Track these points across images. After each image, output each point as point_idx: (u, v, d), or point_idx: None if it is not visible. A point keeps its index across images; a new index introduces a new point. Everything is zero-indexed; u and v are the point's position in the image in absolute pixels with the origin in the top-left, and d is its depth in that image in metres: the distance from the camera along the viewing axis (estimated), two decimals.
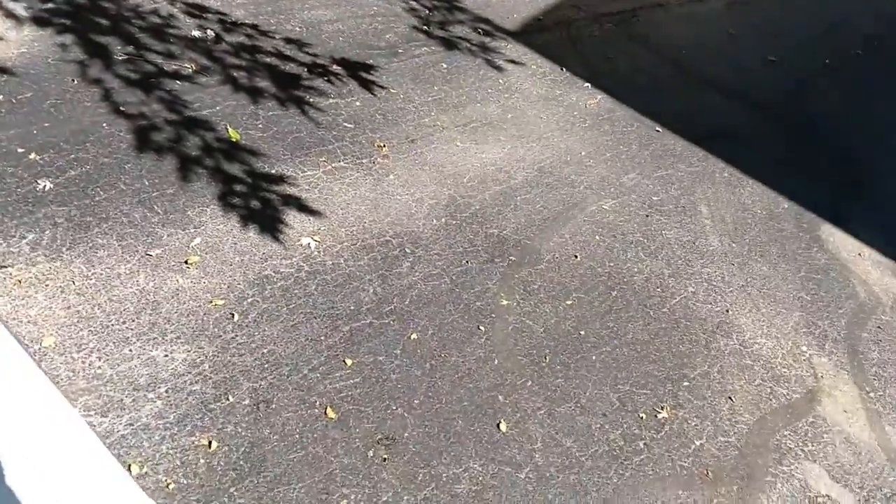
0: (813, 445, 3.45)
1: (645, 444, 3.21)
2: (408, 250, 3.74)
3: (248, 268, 3.41)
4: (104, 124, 3.89)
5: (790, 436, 3.46)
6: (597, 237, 4.19)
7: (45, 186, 3.45)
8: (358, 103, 4.67)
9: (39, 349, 2.82)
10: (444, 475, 2.86)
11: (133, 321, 3.03)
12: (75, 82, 4.08)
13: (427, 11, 6.07)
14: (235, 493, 2.60)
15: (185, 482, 2.61)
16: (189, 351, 3.00)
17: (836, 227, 4.95)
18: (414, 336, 3.33)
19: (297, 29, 5.33)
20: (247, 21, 5.19)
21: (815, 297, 4.30)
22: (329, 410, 2.94)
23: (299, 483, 2.69)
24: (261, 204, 3.77)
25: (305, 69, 4.90)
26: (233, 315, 3.19)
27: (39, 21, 4.47)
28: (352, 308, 3.36)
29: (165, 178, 3.73)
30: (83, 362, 2.85)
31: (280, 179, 3.94)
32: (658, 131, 5.36)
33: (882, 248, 4.87)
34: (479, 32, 5.96)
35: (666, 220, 4.49)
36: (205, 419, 2.80)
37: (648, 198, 4.64)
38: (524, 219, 4.15)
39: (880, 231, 5.01)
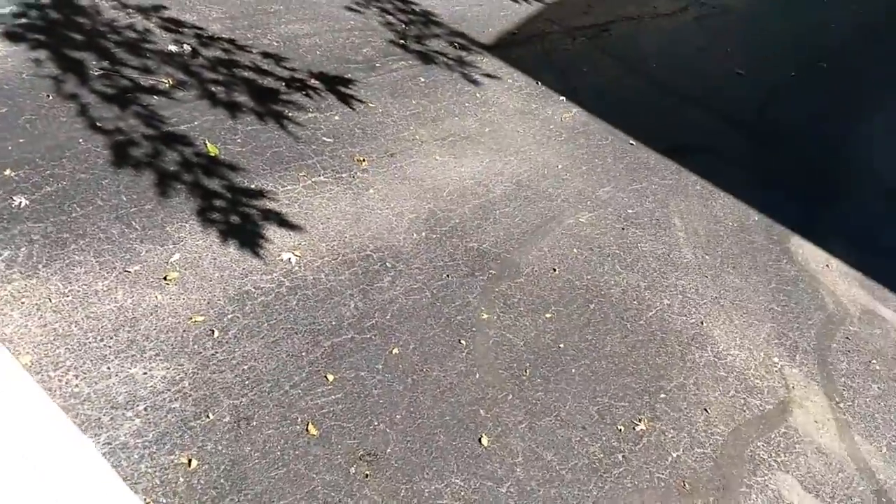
0: (785, 456, 3.52)
1: (624, 456, 3.25)
2: (388, 264, 3.76)
3: (228, 283, 3.40)
4: (80, 140, 3.86)
5: (763, 446, 3.52)
6: (574, 250, 4.24)
7: (20, 203, 3.41)
8: (337, 117, 4.69)
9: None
10: (426, 491, 2.87)
11: (111, 338, 3.01)
12: (50, 98, 4.05)
13: (403, 26, 6.11)
14: None
15: (164, 501, 2.59)
16: (168, 368, 2.98)
17: (804, 239, 5.07)
18: (395, 351, 3.34)
19: (275, 43, 5.34)
20: (223, 35, 5.19)
21: (785, 308, 4.39)
22: (311, 427, 2.94)
23: (281, 501, 2.69)
24: (240, 219, 3.76)
25: (283, 83, 4.91)
26: (213, 331, 3.17)
27: (12, 36, 4.43)
28: (333, 323, 3.37)
29: (143, 193, 3.71)
30: (60, 381, 2.82)
31: (260, 194, 3.94)
32: (632, 144, 5.45)
33: (848, 259, 4.99)
34: (455, 46, 6.02)
35: (641, 233, 4.56)
36: (184, 437, 2.78)
37: (624, 211, 4.72)
38: (503, 232, 4.19)
39: (847, 242, 5.14)
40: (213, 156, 4.10)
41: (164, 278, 3.33)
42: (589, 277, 4.10)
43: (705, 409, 3.60)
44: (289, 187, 4.05)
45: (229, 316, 3.27)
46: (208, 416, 2.86)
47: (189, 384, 2.94)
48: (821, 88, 7.32)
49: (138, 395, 2.84)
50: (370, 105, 4.93)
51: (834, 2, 9.72)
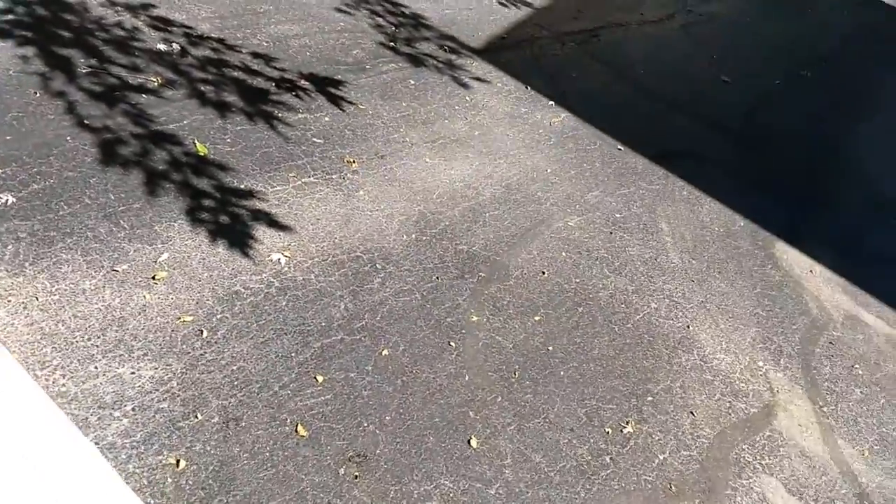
0: (770, 459, 3.55)
1: (611, 458, 3.27)
2: (378, 266, 3.76)
3: (217, 283, 3.39)
4: (68, 137, 3.82)
5: (748, 449, 3.56)
6: (563, 253, 4.26)
7: (7, 201, 3.38)
8: (327, 118, 4.69)
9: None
10: (416, 492, 2.87)
11: (98, 338, 2.98)
12: (38, 95, 4.01)
13: (393, 28, 6.12)
14: None
15: (152, 502, 2.57)
16: (156, 368, 2.96)
17: (789, 245, 5.13)
18: (385, 352, 3.34)
19: (264, 43, 5.32)
20: (213, 35, 5.17)
21: (770, 313, 4.44)
22: (300, 428, 2.93)
23: (270, 502, 2.68)
24: (230, 219, 3.75)
25: (273, 84, 4.90)
26: (201, 331, 3.16)
27: (0, 33, 4.39)
28: (323, 324, 3.37)
29: (132, 192, 3.68)
30: (47, 380, 2.79)
31: (249, 194, 3.93)
32: (620, 149, 5.49)
33: (832, 265, 5.06)
34: (444, 50, 6.03)
35: (629, 237, 4.60)
36: (173, 437, 2.77)
37: (612, 215, 4.75)
38: (493, 235, 4.21)
39: (830, 248, 5.21)
40: (202, 155, 4.09)
41: (153, 278, 3.31)
42: (577, 281, 4.13)
43: (692, 412, 3.63)
44: (278, 188, 4.04)
45: (218, 316, 3.25)
46: (197, 417, 2.85)
47: (177, 384, 2.93)
48: (805, 96, 7.41)
49: (126, 395, 2.82)
50: (360, 107, 4.93)
51: (818, 11, 9.85)
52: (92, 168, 3.72)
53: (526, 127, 5.35)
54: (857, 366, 4.26)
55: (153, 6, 5.24)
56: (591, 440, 3.32)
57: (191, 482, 2.65)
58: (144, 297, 3.21)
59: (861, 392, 4.10)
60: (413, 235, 4.03)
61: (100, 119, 4.05)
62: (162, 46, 4.84)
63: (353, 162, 4.40)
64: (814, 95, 7.49)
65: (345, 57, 5.47)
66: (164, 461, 2.68)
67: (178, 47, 4.90)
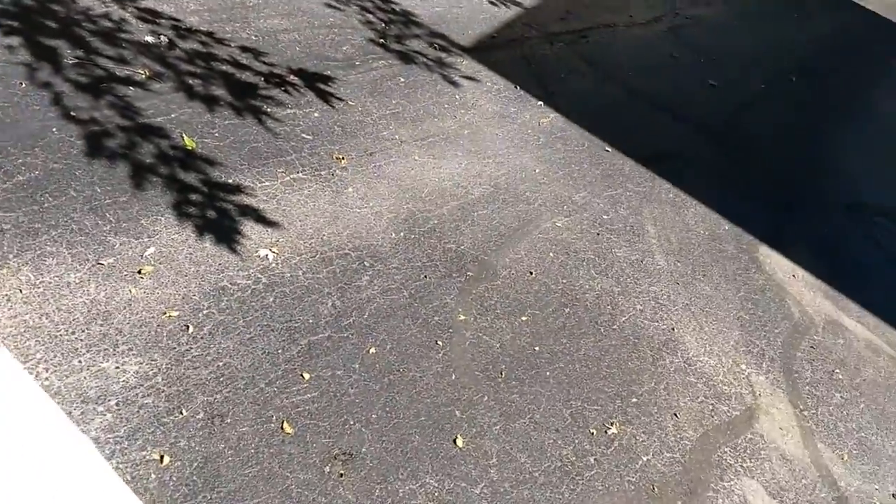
0: (751, 462, 3.59)
1: (595, 459, 3.29)
2: (367, 264, 3.75)
3: (204, 279, 3.37)
4: (54, 129, 3.78)
5: (730, 452, 3.60)
6: (551, 254, 4.28)
7: None
8: (316, 114, 4.67)
9: None
10: (401, 491, 2.88)
11: (83, 331, 2.96)
12: (23, 85, 3.96)
13: (383, 25, 6.10)
14: None
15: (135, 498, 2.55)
16: (141, 363, 2.94)
17: (772, 249, 5.18)
18: (372, 350, 3.34)
19: (253, 38, 5.29)
20: (201, 28, 5.13)
21: (753, 316, 4.48)
22: (286, 425, 2.93)
23: (254, 499, 2.67)
24: (217, 214, 3.72)
25: (262, 78, 4.87)
26: (187, 327, 3.14)
27: None
28: (310, 321, 3.36)
29: (118, 185, 3.65)
30: (29, 374, 2.76)
31: (237, 189, 3.91)
32: (607, 151, 5.51)
33: (814, 270, 5.12)
34: (434, 47, 6.03)
35: (616, 239, 4.62)
36: (157, 433, 2.75)
37: (599, 216, 4.77)
38: (481, 234, 4.21)
39: (813, 254, 5.27)
40: (189, 149, 4.06)
41: (139, 272, 3.28)
42: (564, 281, 4.14)
43: (675, 414, 3.66)
44: (267, 183, 4.02)
45: (204, 311, 3.23)
46: (181, 413, 2.83)
47: (162, 380, 2.91)
48: (790, 101, 7.49)
49: (110, 390, 2.80)
50: (350, 103, 4.92)
51: (804, 16, 9.94)
52: (78, 160, 3.68)
53: (515, 127, 5.36)
54: (837, 370, 4.31)
55: None
56: (576, 441, 3.34)
57: (174, 478, 2.63)
58: (130, 291, 3.19)
59: (841, 396, 4.15)
60: (401, 233, 4.03)
61: (86, 111, 4.00)
62: (150, 38, 4.79)
63: (343, 159, 4.39)
64: (798, 100, 7.56)
65: (334, 53, 5.45)
66: (147, 457, 2.67)
67: (166, 40, 4.85)
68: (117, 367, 2.88)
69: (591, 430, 3.41)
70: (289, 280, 3.52)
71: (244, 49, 5.10)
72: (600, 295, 4.16)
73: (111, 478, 2.55)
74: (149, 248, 3.41)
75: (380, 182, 4.33)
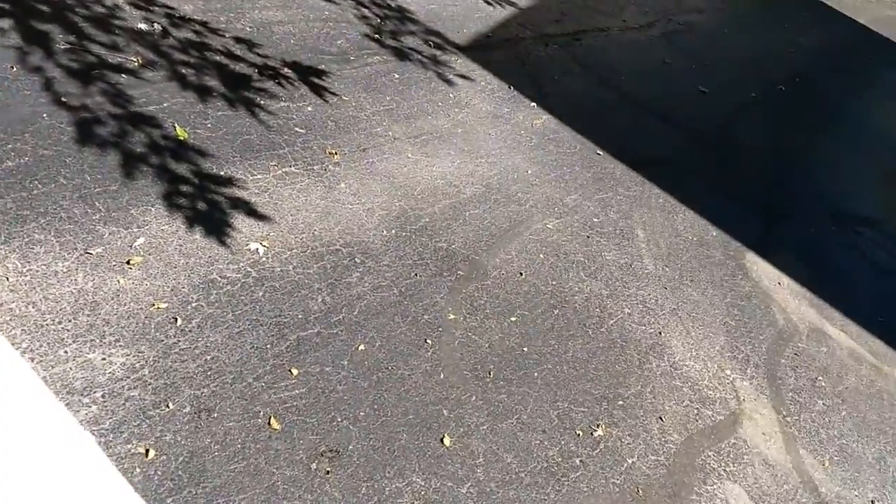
0: (734, 466, 3.62)
1: (581, 461, 3.31)
2: (357, 260, 3.74)
3: (194, 271, 3.34)
4: (44, 115, 3.74)
5: (714, 456, 3.63)
6: (541, 255, 4.29)
7: None
8: (309, 108, 4.64)
9: None
10: (387, 489, 2.87)
11: (70, 321, 2.93)
12: (14, 69, 3.91)
13: (379, 20, 6.08)
14: None
15: None
16: (128, 355, 2.91)
17: (758, 256, 5.23)
18: (361, 347, 3.33)
19: (248, 28, 5.25)
20: (195, 17, 5.08)
21: (739, 322, 4.52)
22: (273, 421, 2.91)
23: (240, 495, 2.66)
24: (208, 206, 3.70)
25: (256, 70, 4.83)
26: (176, 319, 3.12)
27: None
28: (299, 317, 3.34)
29: (109, 174, 3.61)
30: (23, 360, 2.73)
31: (229, 182, 3.88)
32: (599, 154, 5.53)
33: (799, 278, 5.17)
34: (429, 45, 6.01)
35: (605, 242, 4.64)
36: (142, 426, 2.73)
37: (589, 219, 4.79)
38: (472, 234, 4.22)
39: (798, 262, 5.32)
40: (181, 139, 4.02)
41: (128, 262, 3.25)
42: (554, 283, 4.15)
43: (660, 418, 3.68)
44: (259, 176, 4.00)
45: (193, 304, 3.21)
46: (168, 406, 2.81)
47: (149, 372, 2.88)
48: (779, 110, 7.55)
49: (96, 382, 2.77)
50: (343, 98, 4.90)
51: (794, 27, 10.02)
52: (68, 147, 3.64)
53: (508, 127, 5.36)
54: (820, 378, 4.36)
55: None
56: (562, 442, 3.35)
57: (160, 472, 2.61)
58: (118, 281, 3.16)
59: (823, 404, 4.20)
60: (393, 231, 4.02)
61: (77, 97, 3.96)
62: (143, 26, 4.74)
63: (335, 154, 4.37)
64: (787, 110, 7.63)
65: (329, 47, 5.43)
66: (133, 450, 2.64)
67: (160, 28, 4.81)
68: (104, 359, 2.85)
69: (578, 432, 3.42)
70: (279, 274, 3.51)
71: (238, 40, 5.07)
72: (589, 297, 4.18)
73: (104, 463, 2.53)
74: (138, 238, 3.38)
75: (372, 178, 4.32)
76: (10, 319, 2.85)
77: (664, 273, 4.62)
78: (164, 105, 4.19)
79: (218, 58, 4.79)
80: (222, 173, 3.92)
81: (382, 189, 4.27)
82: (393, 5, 6.40)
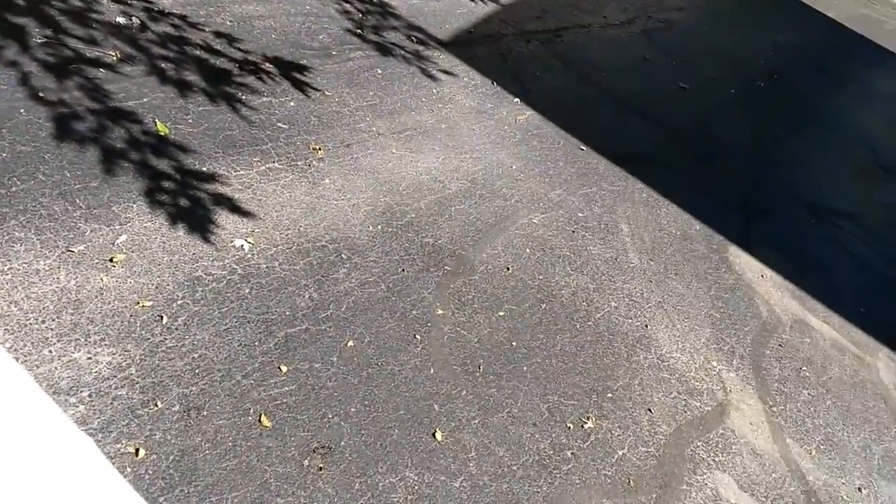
0: (723, 456, 3.65)
1: (572, 453, 3.31)
2: (344, 256, 3.71)
3: (178, 268, 3.29)
4: (21, 110, 3.65)
5: (703, 446, 3.65)
6: (527, 250, 4.28)
7: None
8: (292, 104, 4.59)
9: None
10: (380, 484, 2.85)
11: (53, 320, 2.86)
12: None
13: (360, 15, 6.04)
14: (164, 503, 2.50)
15: None
16: (114, 354, 2.86)
17: (741, 249, 5.27)
18: (350, 343, 3.30)
19: (228, 23, 5.18)
20: (175, 11, 5.00)
21: (723, 314, 4.55)
22: (263, 418, 2.87)
23: (232, 493, 2.62)
24: (191, 202, 3.64)
25: (236, 65, 4.77)
26: (161, 317, 3.06)
27: None
28: (287, 313, 3.30)
29: (89, 170, 3.54)
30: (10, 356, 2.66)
31: (211, 178, 3.82)
32: (582, 150, 5.54)
33: (781, 270, 5.22)
34: (412, 40, 5.98)
35: (590, 237, 4.65)
36: (131, 426, 2.67)
37: (574, 214, 4.79)
38: (458, 229, 4.20)
39: (780, 255, 5.38)
40: (162, 135, 3.96)
41: (111, 260, 3.19)
42: (541, 278, 4.15)
43: (649, 410, 3.69)
44: (242, 172, 3.94)
45: (179, 302, 3.16)
46: (156, 405, 2.76)
47: (136, 371, 2.83)
48: (757, 106, 7.63)
49: (82, 381, 2.71)
50: (326, 93, 4.85)
51: (770, 23, 10.14)
52: (46, 143, 3.56)
53: (492, 123, 5.35)
54: (804, 368, 4.41)
55: None
56: (553, 435, 3.35)
57: (150, 472, 2.57)
58: (102, 279, 3.09)
59: (808, 393, 4.24)
60: (379, 226, 3.99)
61: (55, 92, 3.87)
62: (121, 20, 4.66)
63: (319, 149, 4.32)
64: (765, 106, 7.71)
65: (310, 42, 5.37)
66: (122, 450, 2.59)
67: (138, 21, 4.73)
68: (89, 358, 2.79)
69: (568, 425, 3.42)
70: (265, 271, 3.46)
71: (218, 34, 5.00)
72: (576, 291, 4.18)
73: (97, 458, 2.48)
74: (120, 235, 3.31)
75: (357, 174, 4.28)
76: None
77: (649, 267, 4.64)
78: (144, 100, 4.12)
79: (198, 52, 4.72)
80: (205, 169, 3.86)
81: (367, 185, 4.24)
82: (375, 0, 6.36)
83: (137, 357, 2.88)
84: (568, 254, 4.42)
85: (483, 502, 2.95)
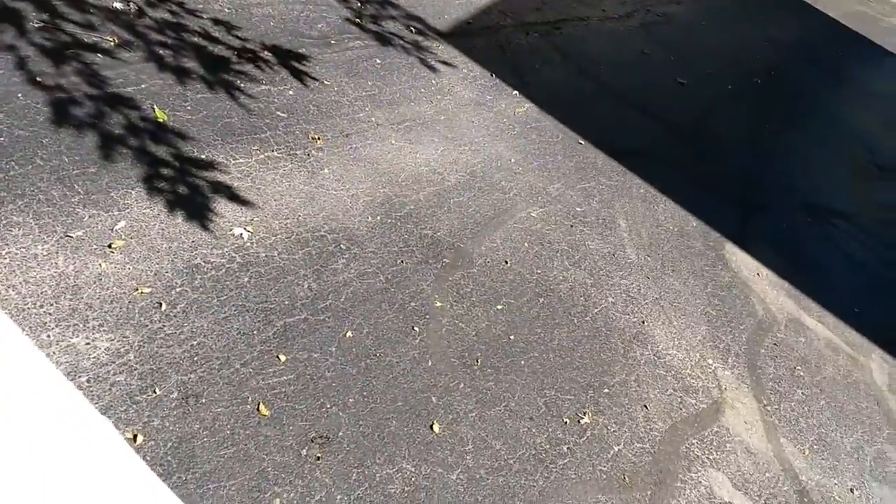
0: (717, 454, 3.67)
1: (568, 448, 3.32)
2: (343, 247, 3.69)
3: (177, 255, 3.27)
4: (19, 94, 3.61)
5: (698, 444, 3.66)
6: (526, 244, 4.28)
7: None
8: (291, 92, 4.57)
9: None
10: (378, 475, 2.85)
11: (52, 305, 2.84)
12: None
13: (359, 4, 6.00)
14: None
15: None
16: (112, 340, 2.84)
17: (737, 247, 5.29)
18: (349, 334, 3.29)
19: (226, 10, 5.14)
20: None
21: (719, 312, 4.57)
22: (262, 407, 2.87)
23: (230, 480, 2.61)
24: (190, 190, 3.62)
25: (235, 53, 4.73)
26: (160, 304, 3.04)
27: None
28: (286, 303, 3.29)
29: (87, 155, 3.51)
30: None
31: (210, 165, 3.80)
32: (581, 144, 5.54)
33: (777, 269, 5.24)
34: (411, 30, 5.95)
35: (588, 232, 4.65)
36: (129, 412, 2.66)
37: (572, 208, 4.79)
38: (457, 222, 4.19)
39: (776, 253, 5.39)
40: (161, 122, 3.93)
41: (109, 246, 3.17)
42: (539, 272, 4.15)
43: (645, 406, 3.70)
44: (241, 160, 3.92)
45: (177, 289, 3.14)
46: (155, 392, 2.75)
47: (134, 357, 2.81)
48: (754, 103, 7.63)
49: (80, 367, 2.70)
50: (325, 83, 4.82)
51: (768, 19, 10.14)
52: (44, 128, 3.53)
53: (490, 115, 5.34)
54: (799, 368, 4.43)
55: None
56: (550, 429, 3.35)
57: (148, 458, 2.56)
58: (100, 265, 3.07)
59: (802, 393, 4.27)
60: (378, 217, 3.98)
61: (52, 77, 3.83)
62: (118, 5, 4.61)
63: (318, 139, 4.30)
64: (762, 102, 7.72)
65: (309, 30, 5.34)
66: (120, 436, 2.58)
67: (135, 7, 4.68)
68: (87, 343, 2.77)
69: (565, 420, 3.43)
70: (264, 260, 3.45)
71: (216, 21, 4.96)
72: (573, 286, 4.19)
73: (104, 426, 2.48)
74: (119, 221, 3.29)
75: (356, 164, 4.27)
76: None
77: (646, 263, 4.65)
78: (142, 86, 4.09)
79: (196, 39, 4.68)
80: (203, 157, 3.83)
81: (366, 175, 4.22)
82: None
83: (136, 343, 2.86)
84: (566, 248, 4.42)
85: (480, 495, 2.96)
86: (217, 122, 4.10)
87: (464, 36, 6.23)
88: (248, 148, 4.02)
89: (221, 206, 3.61)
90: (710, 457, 3.63)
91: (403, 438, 3.01)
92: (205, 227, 3.46)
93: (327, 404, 2.99)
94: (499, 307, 3.81)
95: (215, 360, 2.94)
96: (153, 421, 2.66)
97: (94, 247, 3.13)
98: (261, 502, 2.60)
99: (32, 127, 3.50)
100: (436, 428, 3.10)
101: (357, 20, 5.73)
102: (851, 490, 3.85)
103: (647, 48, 7.66)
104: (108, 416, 2.60)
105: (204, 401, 2.79)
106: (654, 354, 4.02)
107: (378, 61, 5.33)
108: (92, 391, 2.64)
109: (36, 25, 4.09)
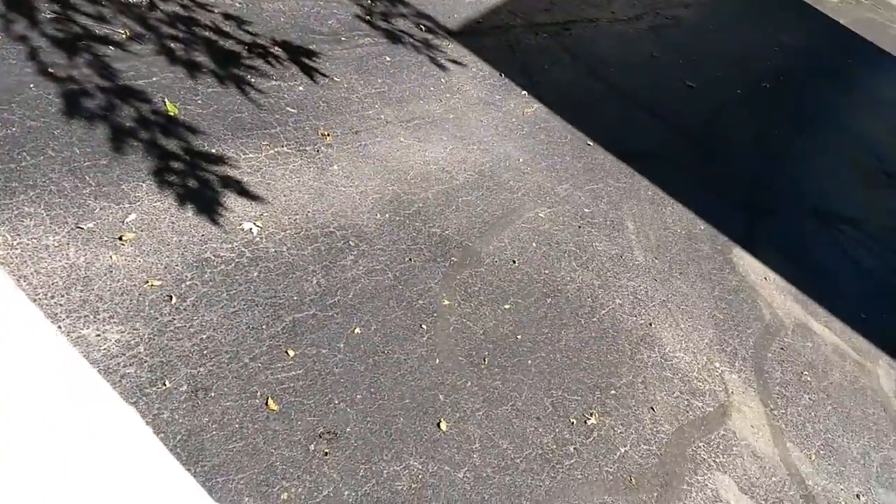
0: (724, 457, 3.66)
1: (575, 448, 3.31)
2: (352, 243, 3.69)
3: (187, 249, 3.27)
4: (31, 85, 3.62)
5: (704, 447, 3.66)
6: (533, 244, 4.28)
7: None
8: (301, 88, 4.57)
9: None
10: (385, 471, 2.85)
11: (62, 297, 2.84)
12: None
13: (370, 1, 6.00)
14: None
15: None
16: (123, 332, 2.84)
17: (745, 251, 5.28)
18: (357, 330, 3.29)
19: (237, 4, 5.14)
20: None
21: (727, 316, 4.56)
22: (270, 402, 2.86)
23: (238, 474, 2.61)
24: (200, 184, 3.62)
25: (245, 48, 4.74)
26: (170, 297, 3.04)
27: None
28: (295, 298, 3.29)
29: (98, 147, 3.51)
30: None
31: (220, 160, 3.80)
32: (589, 145, 5.53)
33: (785, 273, 5.23)
34: (421, 28, 5.95)
35: (596, 233, 4.65)
36: (139, 404, 2.66)
37: (580, 209, 4.79)
38: (465, 220, 4.19)
39: (783, 257, 5.39)
40: (171, 115, 3.93)
41: (120, 238, 3.17)
42: (547, 272, 4.15)
43: (652, 408, 3.70)
44: (251, 155, 3.92)
45: (187, 282, 3.14)
46: (164, 384, 2.75)
47: (145, 350, 2.81)
48: (763, 107, 7.63)
49: (91, 358, 2.70)
50: (335, 79, 4.82)
51: (776, 24, 10.13)
52: (56, 119, 3.53)
53: (499, 115, 5.33)
54: (805, 373, 4.42)
55: None
56: (557, 429, 3.35)
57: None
58: (111, 257, 3.07)
59: (809, 398, 4.26)
60: (387, 215, 3.97)
61: (64, 68, 3.84)
62: None
63: (328, 135, 4.30)
64: (771, 106, 7.71)
65: (319, 26, 5.34)
66: (142, 420, 2.58)
67: (147, 0, 4.68)
68: (98, 335, 2.77)
69: (572, 420, 3.43)
70: (273, 255, 3.45)
71: (227, 16, 4.96)
72: (581, 287, 4.18)
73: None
74: (130, 214, 3.29)
75: (365, 161, 4.26)
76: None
77: (654, 265, 4.65)
78: (154, 79, 4.09)
79: (207, 33, 4.68)
80: (214, 151, 3.83)
81: (375, 172, 4.22)
82: None
83: (146, 336, 2.86)
84: (574, 249, 4.42)
85: (486, 493, 2.96)
86: (227, 116, 4.10)
87: (473, 35, 6.22)
88: (258, 143, 4.02)
89: (231, 200, 3.61)
90: (717, 460, 3.62)
91: (411, 435, 3.01)
92: (214, 222, 3.46)
93: (335, 400, 2.99)
94: (506, 306, 3.80)
95: (224, 353, 2.94)
96: (163, 413, 2.66)
97: (105, 239, 3.13)
98: (269, 496, 2.60)
99: (44, 118, 3.50)
100: (443, 426, 3.10)
101: (367, 18, 5.74)
102: (858, 496, 3.84)
103: (655, 51, 7.66)
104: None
105: (213, 394, 2.79)
106: (662, 357, 4.02)
107: (388, 59, 5.33)
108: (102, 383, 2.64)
109: (48, 17, 4.10)
